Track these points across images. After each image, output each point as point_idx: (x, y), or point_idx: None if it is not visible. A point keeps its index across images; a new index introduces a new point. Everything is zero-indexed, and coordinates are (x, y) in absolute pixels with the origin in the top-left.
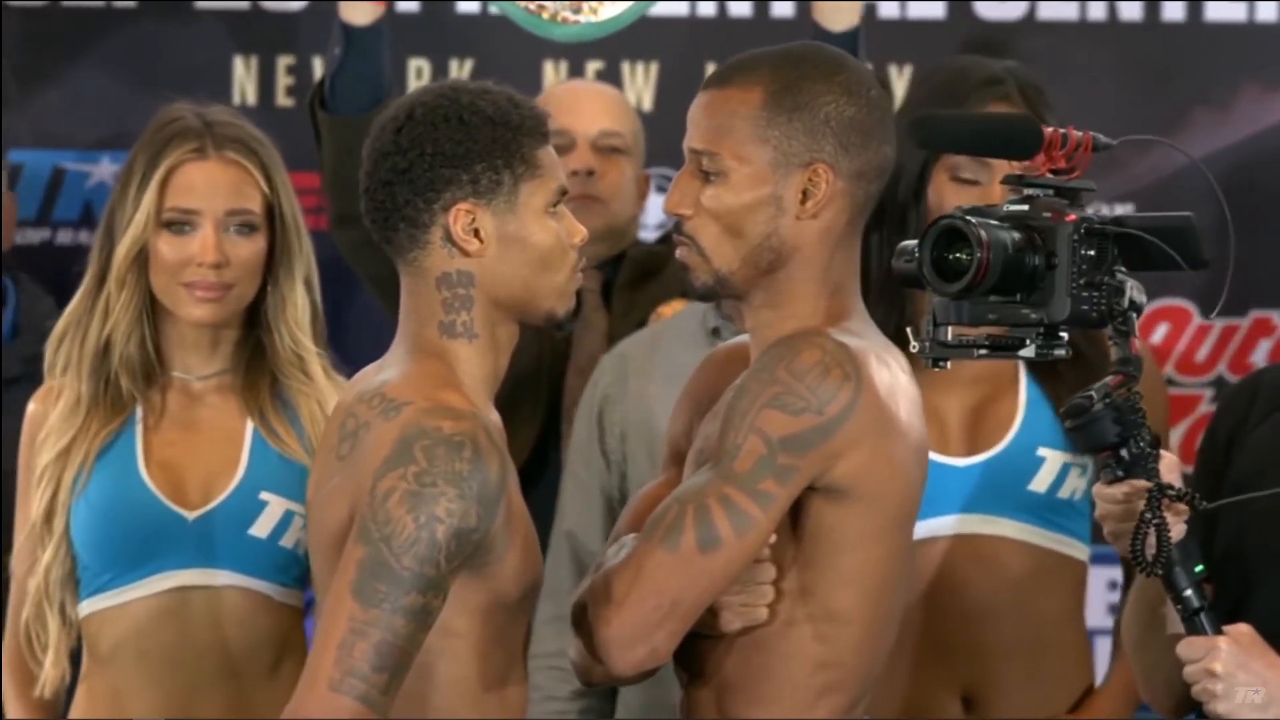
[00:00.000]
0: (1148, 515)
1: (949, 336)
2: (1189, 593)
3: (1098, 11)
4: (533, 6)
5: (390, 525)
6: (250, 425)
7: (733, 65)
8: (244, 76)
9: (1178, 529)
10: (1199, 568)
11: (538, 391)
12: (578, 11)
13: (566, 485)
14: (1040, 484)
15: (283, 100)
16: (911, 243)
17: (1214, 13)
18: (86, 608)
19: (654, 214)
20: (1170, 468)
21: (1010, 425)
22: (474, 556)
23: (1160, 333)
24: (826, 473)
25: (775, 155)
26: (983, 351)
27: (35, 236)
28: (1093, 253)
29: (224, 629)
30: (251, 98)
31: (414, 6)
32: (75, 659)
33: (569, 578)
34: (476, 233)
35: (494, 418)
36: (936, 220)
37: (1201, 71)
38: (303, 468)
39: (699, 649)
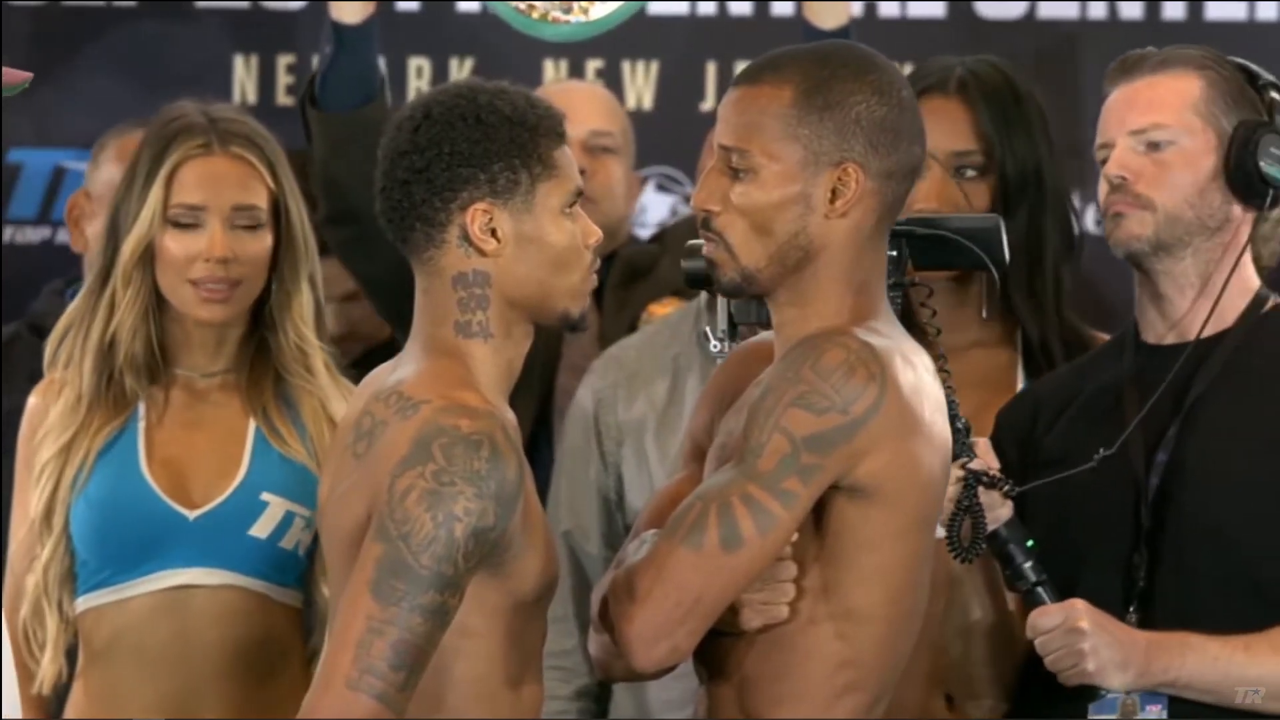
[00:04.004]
0: (964, 501)
1: (750, 337)
2: (1027, 566)
3: (1098, 11)
4: (523, 6)
5: (408, 524)
6: (253, 424)
7: (764, 63)
8: (244, 76)
9: (1006, 508)
10: (1030, 542)
11: (529, 389)
12: (568, 11)
13: (561, 485)
14: None
15: (283, 99)
16: (700, 241)
17: (1214, 12)
18: (83, 604)
19: (654, 213)
20: (985, 451)
21: None
22: (491, 556)
23: None
24: (850, 472)
25: (805, 153)
26: None
27: (35, 236)
28: (894, 253)
29: (222, 628)
30: (252, 97)
31: (414, 6)
32: (71, 656)
33: (567, 578)
34: (493, 232)
35: (510, 417)
36: None
37: None
38: (304, 468)
39: (720, 647)
